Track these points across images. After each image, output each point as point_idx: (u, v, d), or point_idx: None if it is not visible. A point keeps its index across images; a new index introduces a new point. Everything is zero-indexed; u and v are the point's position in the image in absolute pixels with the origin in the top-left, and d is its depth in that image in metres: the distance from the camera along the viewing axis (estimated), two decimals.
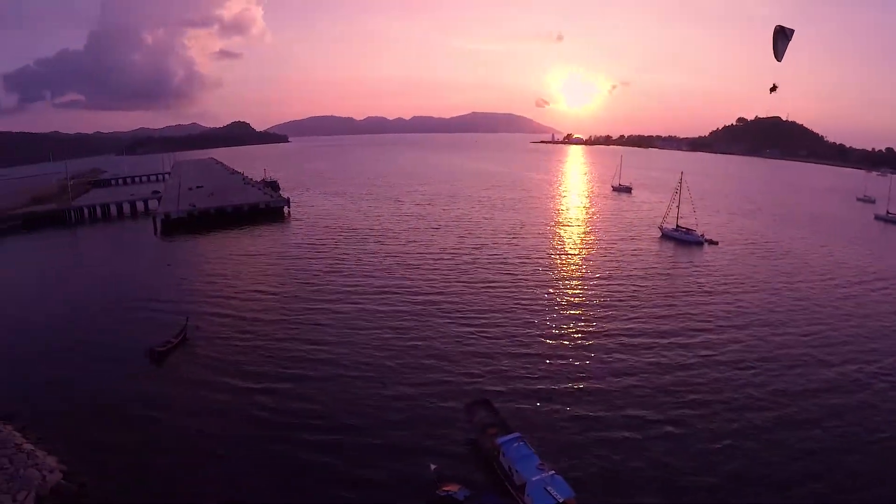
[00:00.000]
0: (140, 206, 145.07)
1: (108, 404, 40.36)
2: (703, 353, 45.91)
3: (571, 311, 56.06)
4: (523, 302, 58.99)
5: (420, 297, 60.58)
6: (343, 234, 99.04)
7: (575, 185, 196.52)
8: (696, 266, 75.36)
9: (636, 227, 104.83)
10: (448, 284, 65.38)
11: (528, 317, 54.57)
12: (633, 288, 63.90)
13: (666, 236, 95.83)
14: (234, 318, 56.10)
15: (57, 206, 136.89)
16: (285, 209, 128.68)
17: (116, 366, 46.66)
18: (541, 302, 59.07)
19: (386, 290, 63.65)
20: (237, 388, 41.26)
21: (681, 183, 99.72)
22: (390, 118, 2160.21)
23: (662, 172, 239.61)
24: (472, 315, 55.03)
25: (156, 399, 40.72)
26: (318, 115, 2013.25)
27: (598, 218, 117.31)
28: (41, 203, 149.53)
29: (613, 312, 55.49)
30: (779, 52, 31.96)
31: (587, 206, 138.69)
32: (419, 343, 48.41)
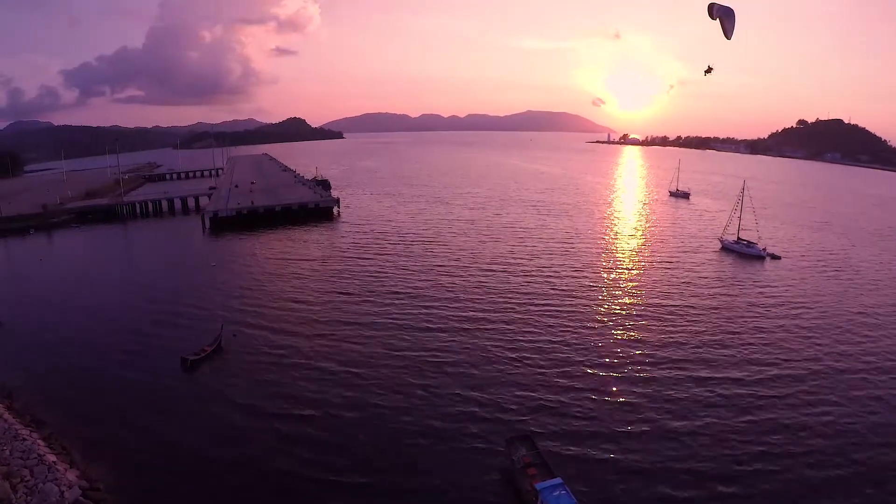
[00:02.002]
0: (191, 202, 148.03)
1: (136, 414, 40.20)
2: (768, 394, 41.52)
3: (626, 340, 52.20)
4: (574, 325, 55.70)
5: (464, 316, 57.92)
6: (390, 239, 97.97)
7: (631, 190, 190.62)
8: (758, 286, 70.36)
9: (695, 239, 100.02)
10: (495, 302, 62.47)
11: (580, 343, 51.24)
12: (693, 313, 59.41)
13: (726, 249, 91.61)
14: (270, 330, 55.20)
15: (108, 202, 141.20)
16: (335, 209, 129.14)
17: (149, 372, 46.69)
18: (594, 326, 55.52)
19: (428, 306, 61.24)
20: (264, 411, 40.01)
21: (742, 192, 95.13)
22: (445, 115, 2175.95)
23: (721, 177, 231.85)
24: (519, 339, 52.04)
25: (182, 413, 40.25)
26: (372, 111, 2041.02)
27: (655, 227, 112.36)
28: (95, 197, 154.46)
29: (671, 345, 51.03)
30: (726, 31, 30.68)
31: (644, 213, 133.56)
32: (460, 369, 45.99)
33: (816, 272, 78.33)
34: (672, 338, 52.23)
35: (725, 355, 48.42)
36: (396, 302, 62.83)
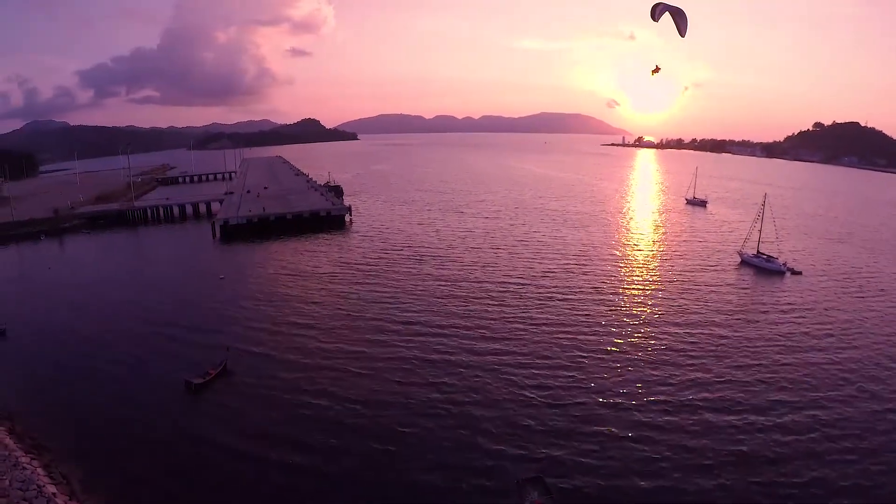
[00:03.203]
0: (202, 207, 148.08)
1: (137, 441, 39.69)
2: (793, 439, 39.42)
3: (644, 372, 49.98)
4: (590, 353, 53.64)
5: (474, 343, 55.95)
6: (401, 252, 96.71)
7: (647, 198, 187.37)
8: (780, 309, 67.88)
9: (714, 252, 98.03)
10: (506, 327, 60.32)
11: (595, 374, 49.33)
12: (714, 341, 57.25)
13: (745, 263, 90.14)
14: (276, 354, 54.05)
15: (120, 207, 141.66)
16: (346, 217, 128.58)
17: (152, 394, 46.23)
18: (610, 355, 53.44)
19: (436, 332, 59.20)
20: (268, 445, 38.83)
21: (764, 205, 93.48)
22: (459, 117, 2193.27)
23: (739, 183, 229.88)
24: (532, 369, 50.20)
25: (185, 442, 39.58)
26: (387, 112, 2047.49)
27: (672, 240, 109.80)
28: (107, 201, 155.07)
29: (690, 379, 48.70)
30: (679, 29, 31.04)
31: (661, 224, 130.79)
32: (469, 402, 44.43)
33: (839, 291, 76.04)
34: (691, 371, 50.12)
35: (748, 392, 46.30)
36: (404, 326, 61.14)
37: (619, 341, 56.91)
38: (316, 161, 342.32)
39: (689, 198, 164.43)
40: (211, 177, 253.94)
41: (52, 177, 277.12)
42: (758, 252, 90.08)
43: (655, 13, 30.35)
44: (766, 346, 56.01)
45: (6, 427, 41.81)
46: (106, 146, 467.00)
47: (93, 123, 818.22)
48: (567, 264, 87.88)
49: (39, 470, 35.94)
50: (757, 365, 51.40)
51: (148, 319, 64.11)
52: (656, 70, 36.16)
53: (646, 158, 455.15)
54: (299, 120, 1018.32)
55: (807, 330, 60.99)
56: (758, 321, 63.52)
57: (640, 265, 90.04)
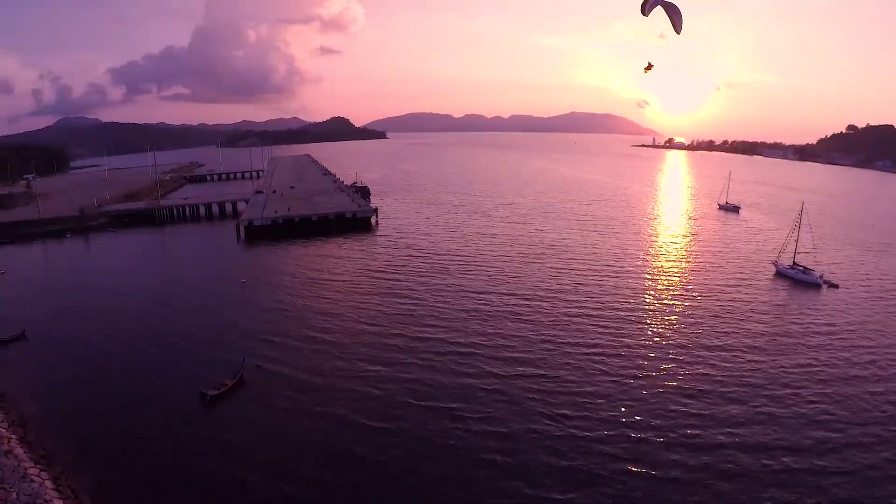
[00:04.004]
0: (228, 207, 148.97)
1: (149, 454, 39.27)
2: (842, 479, 37.04)
3: (675, 394, 47.89)
4: (618, 372, 51.83)
5: (495, 367, 53.38)
6: (426, 258, 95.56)
7: (678, 202, 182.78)
8: (816, 325, 65.31)
9: (748, 262, 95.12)
10: (532, 347, 57.90)
11: (623, 396, 47.48)
12: (749, 360, 54.88)
13: (781, 274, 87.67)
14: (294, 365, 53.26)
15: (146, 205, 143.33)
16: (372, 220, 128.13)
17: (168, 408, 45.66)
18: (639, 375, 51.48)
19: (457, 351, 57.13)
20: (282, 463, 38.10)
21: (801, 214, 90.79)
22: (488, 116, 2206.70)
23: (772, 188, 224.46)
24: (555, 388, 48.58)
25: (198, 458, 38.88)
26: (416, 111, 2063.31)
27: (705, 249, 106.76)
28: (134, 199, 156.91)
29: (725, 402, 46.78)
30: (674, 25, 30.30)
31: (693, 230, 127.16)
32: (486, 426, 42.88)
33: (880, 308, 72.34)
34: (724, 404, 47.20)
35: (786, 429, 43.41)
36: (424, 345, 59.08)
37: (648, 364, 54.63)
38: (344, 160, 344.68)
39: (721, 203, 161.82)
40: (238, 175, 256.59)
41: (81, 173, 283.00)
42: (794, 263, 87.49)
43: (646, 7, 29.47)
44: (804, 374, 53.10)
45: (18, 434, 41.77)
46: (137, 142, 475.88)
47: (124, 120, 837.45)
48: (597, 277, 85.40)
49: (48, 483, 35.64)
50: (793, 395, 48.63)
51: (166, 325, 64.12)
52: (649, 67, 35.58)
53: (676, 160, 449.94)
54: (328, 118, 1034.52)
55: (847, 355, 57.91)
56: (795, 344, 60.63)
57: (674, 277, 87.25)
